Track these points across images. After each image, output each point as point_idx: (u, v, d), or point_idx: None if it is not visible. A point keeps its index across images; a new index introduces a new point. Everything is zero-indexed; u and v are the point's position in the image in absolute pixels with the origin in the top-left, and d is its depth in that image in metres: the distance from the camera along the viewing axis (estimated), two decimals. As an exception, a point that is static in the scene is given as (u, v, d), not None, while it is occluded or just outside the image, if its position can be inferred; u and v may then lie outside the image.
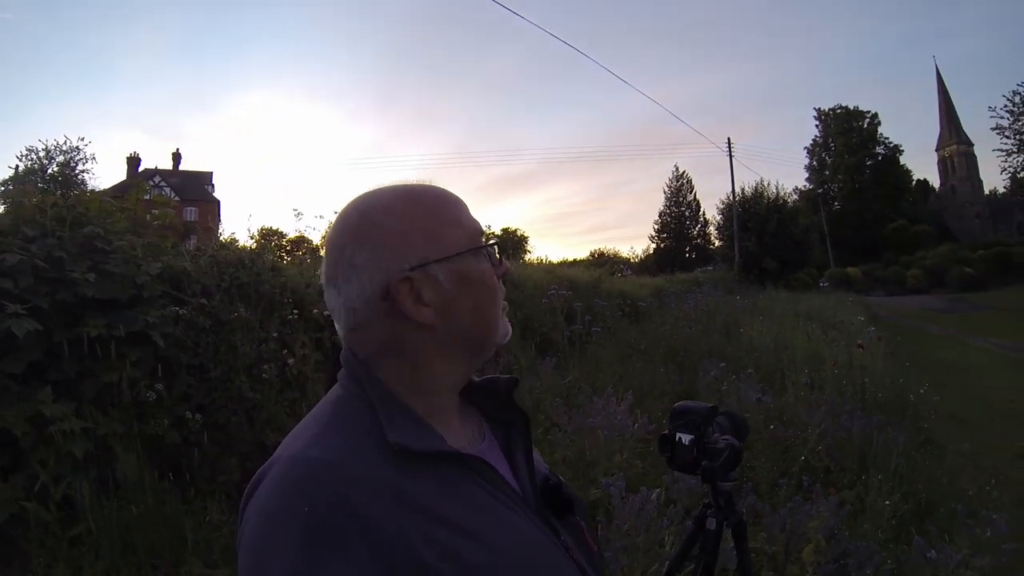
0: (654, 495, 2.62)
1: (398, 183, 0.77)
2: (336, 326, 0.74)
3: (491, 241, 0.78)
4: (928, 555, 2.27)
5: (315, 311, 4.34)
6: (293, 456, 0.64)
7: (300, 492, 0.59)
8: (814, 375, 5.60)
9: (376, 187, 0.77)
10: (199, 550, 2.76)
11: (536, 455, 0.83)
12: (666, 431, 1.43)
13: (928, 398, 5.96)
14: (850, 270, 35.87)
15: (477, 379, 0.81)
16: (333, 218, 0.77)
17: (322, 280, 0.74)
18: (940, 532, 2.70)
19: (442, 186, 0.78)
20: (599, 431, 3.75)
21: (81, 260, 3.15)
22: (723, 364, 5.61)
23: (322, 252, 0.77)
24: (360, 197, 0.75)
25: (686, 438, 1.40)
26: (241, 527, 0.63)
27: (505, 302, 0.78)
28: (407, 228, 0.71)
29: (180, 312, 3.61)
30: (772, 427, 3.94)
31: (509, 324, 0.78)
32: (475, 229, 0.76)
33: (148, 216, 4.46)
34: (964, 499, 3.31)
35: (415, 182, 0.78)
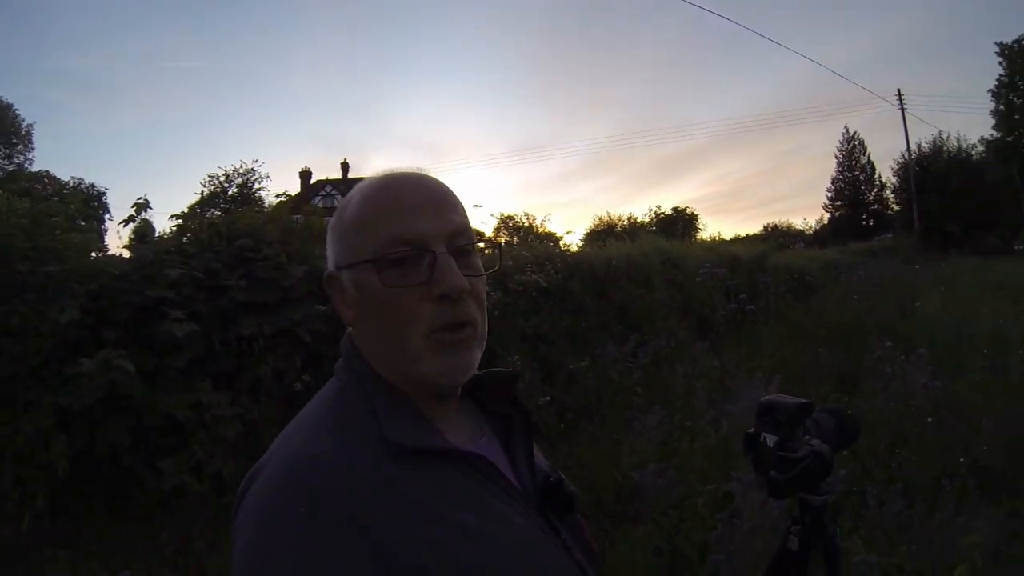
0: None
1: (385, 171, 0.73)
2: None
3: (440, 250, 0.66)
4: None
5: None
6: (289, 455, 0.62)
7: (297, 493, 0.57)
8: (998, 357, 4.75)
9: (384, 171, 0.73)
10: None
11: (536, 451, 0.79)
12: (752, 428, 1.29)
13: None
14: (1054, 229, 29.75)
15: (477, 372, 0.76)
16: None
17: None
18: None
19: (431, 175, 0.72)
20: (728, 419, 3.50)
21: (234, 270, 3.62)
22: (889, 344, 4.97)
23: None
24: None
25: (771, 439, 1.24)
26: (235, 527, 0.61)
27: (468, 330, 0.67)
28: (345, 225, 0.70)
29: (323, 310, 4.00)
30: (930, 419, 3.37)
31: (463, 360, 0.68)
32: (398, 236, 0.65)
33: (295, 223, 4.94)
34: None
35: (399, 170, 0.72)
